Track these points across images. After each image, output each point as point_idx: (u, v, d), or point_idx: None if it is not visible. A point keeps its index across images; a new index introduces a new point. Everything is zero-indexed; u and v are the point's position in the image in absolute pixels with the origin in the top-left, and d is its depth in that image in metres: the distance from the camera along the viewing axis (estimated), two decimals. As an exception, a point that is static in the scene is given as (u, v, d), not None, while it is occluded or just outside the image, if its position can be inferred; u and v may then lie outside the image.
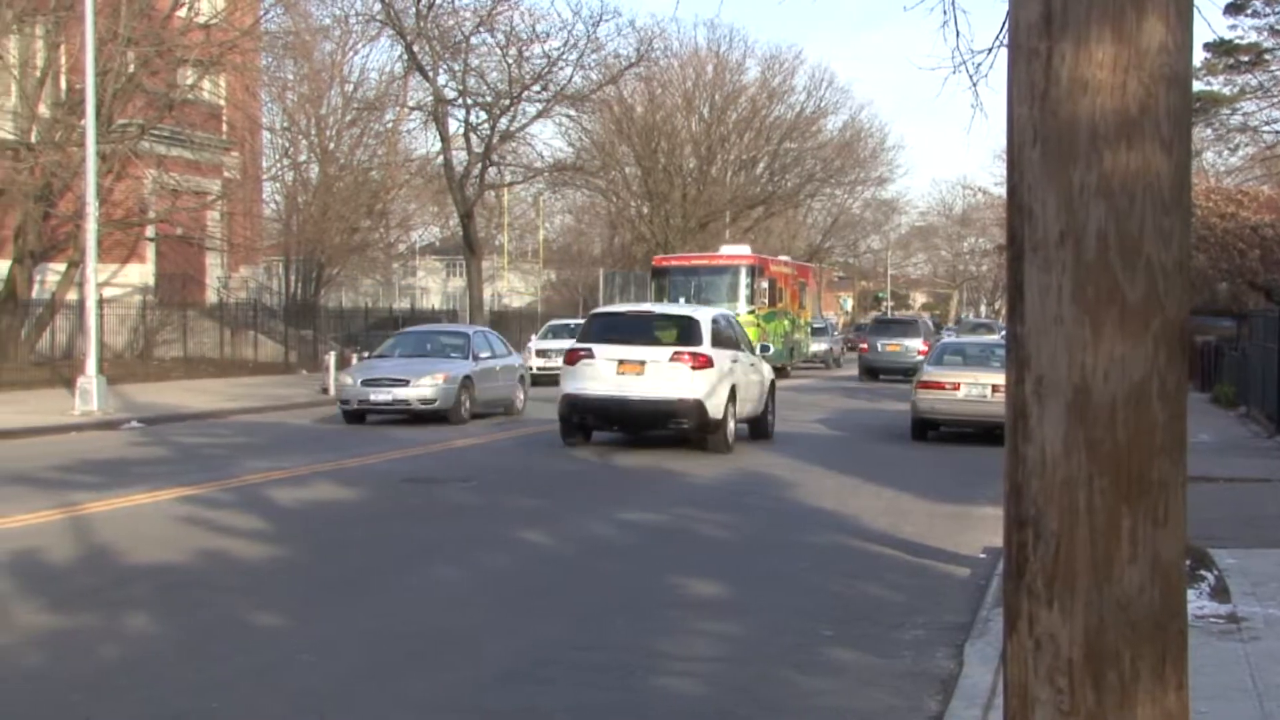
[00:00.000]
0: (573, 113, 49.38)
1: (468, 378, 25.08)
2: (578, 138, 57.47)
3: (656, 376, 19.60)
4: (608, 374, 19.81)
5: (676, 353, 19.71)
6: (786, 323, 43.62)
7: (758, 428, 22.07)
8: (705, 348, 19.86)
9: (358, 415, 24.72)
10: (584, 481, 16.72)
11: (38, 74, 34.89)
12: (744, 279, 40.16)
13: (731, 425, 20.24)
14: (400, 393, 24.21)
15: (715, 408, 19.59)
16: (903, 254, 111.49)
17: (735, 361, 20.64)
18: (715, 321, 21.05)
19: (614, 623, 8.93)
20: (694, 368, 19.52)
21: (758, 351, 23.04)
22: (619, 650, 8.14)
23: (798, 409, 29.51)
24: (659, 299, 39.45)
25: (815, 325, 53.50)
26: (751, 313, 38.94)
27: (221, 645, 8.18)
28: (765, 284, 40.90)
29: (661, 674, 7.64)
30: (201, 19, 37.15)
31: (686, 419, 19.63)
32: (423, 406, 24.18)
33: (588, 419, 20.55)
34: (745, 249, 43.79)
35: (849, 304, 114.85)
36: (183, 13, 36.29)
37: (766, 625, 8.93)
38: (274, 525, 12.74)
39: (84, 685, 7.31)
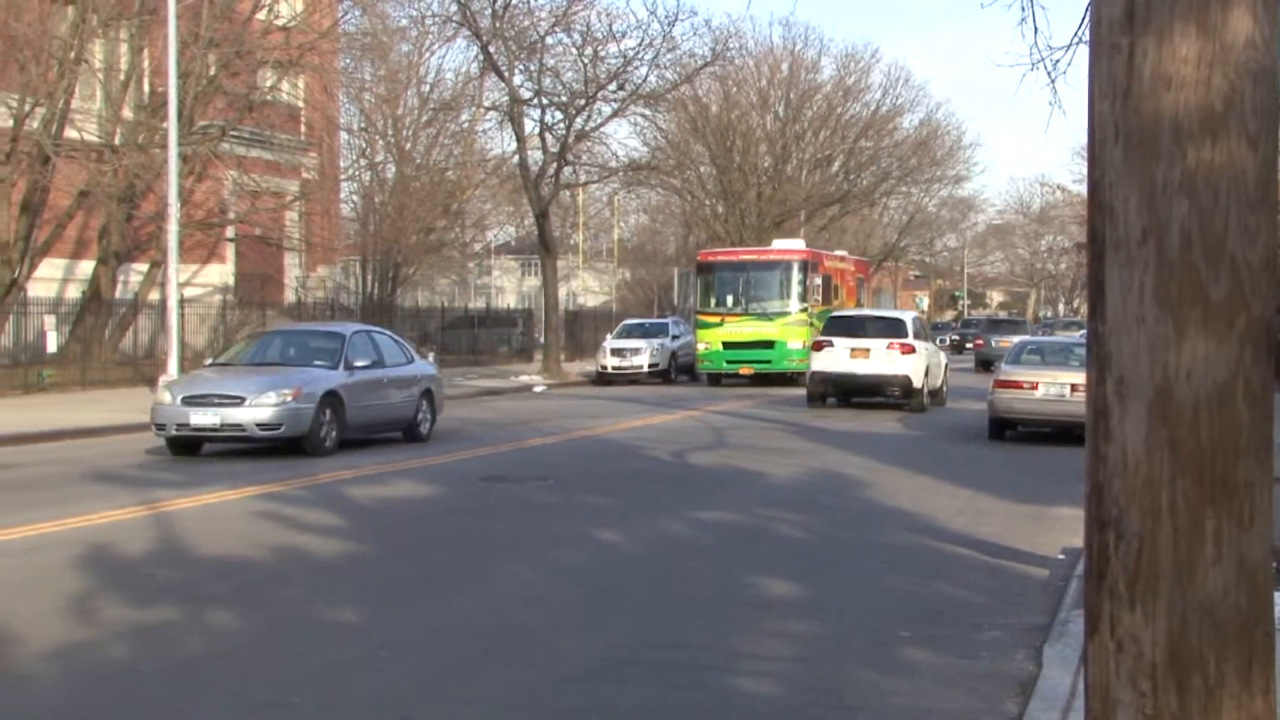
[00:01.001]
0: (648, 112, 49.35)
1: (332, 394, 19.02)
2: (653, 137, 57.47)
3: (878, 359, 27.80)
4: (843, 357, 28.07)
5: (890, 343, 27.88)
6: None
7: (937, 396, 29.61)
8: (909, 339, 28.18)
9: (186, 445, 18.78)
10: (659, 480, 16.73)
11: (122, 77, 35.43)
12: (796, 275, 37.99)
13: (926, 392, 28.03)
14: (233, 415, 18.26)
15: (916, 380, 27.64)
16: (979, 252, 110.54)
17: (926, 349, 28.79)
18: (914, 321, 29.84)
19: (690, 622, 8.93)
20: (902, 353, 27.79)
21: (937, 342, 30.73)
22: (695, 649, 8.14)
23: (875, 408, 29.34)
24: (704, 296, 38.54)
25: None
26: (804, 310, 37.40)
27: (301, 641, 8.27)
28: (819, 280, 38.96)
29: (737, 673, 7.63)
30: (281, 21, 37.57)
31: (898, 388, 27.84)
32: (263, 432, 18.34)
33: (828, 388, 28.91)
34: (799, 243, 41.95)
35: (925, 303, 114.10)
36: (262, 15, 36.72)
37: (842, 625, 8.89)
38: (351, 522, 12.86)
39: (169, 678, 7.42)
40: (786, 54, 64.46)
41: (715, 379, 37.91)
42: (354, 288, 52.42)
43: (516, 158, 44.82)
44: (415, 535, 12.36)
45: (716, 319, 37.69)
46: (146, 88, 36.64)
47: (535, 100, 42.25)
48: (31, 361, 31.75)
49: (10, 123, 32.06)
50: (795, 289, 37.76)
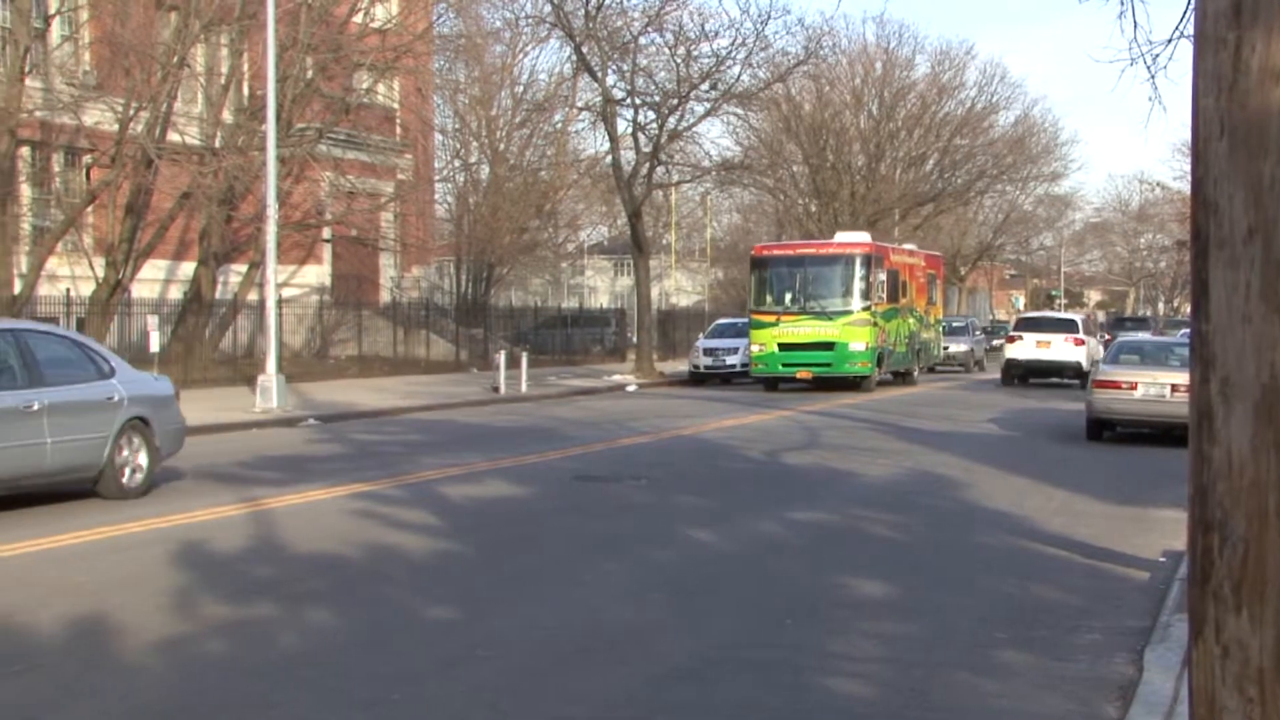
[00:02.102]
0: (740, 111, 49.24)
1: None
2: (745, 136, 57.37)
3: (1057, 349, 36.49)
4: (1031, 347, 37.17)
5: (1066, 336, 37.08)
6: (912, 321, 38.96)
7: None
8: (1080, 334, 37.31)
9: None
10: (753, 481, 16.70)
11: (222, 81, 36.02)
12: (858, 271, 35.01)
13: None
14: None
15: (1085, 365, 33.24)
16: (1076, 251, 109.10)
17: (1091, 341, 36.34)
18: (1083, 321, 39.80)
19: (783, 622, 8.91)
20: (1075, 344, 36.68)
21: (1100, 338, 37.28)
22: (789, 649, 8.12)
23: (969, 408, 29.11)
24: (759, 294, 35.81)
25: (954, 323, 50.44)
26: (867, 309, 34.72)
27: (398, 638, 8.35)
28: (883, 277, 35.97)
29: (831, 674, 7.60)
30: (376, 24, 38.01)
31: (1071, 370, 34.19)
32: None
33: (1020, 371, 37.36)
34: (863, 236, 38.69)
35: (1021, 302, 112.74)
36: (359, 19, 37.16)
37: (937, 626, 8.82)
38: (447, 521, 12.97)
39: (267, 674, 7.53)
40: (880, 52, 64.11)
41: (771, 384, 35.37)
42: (448, 288, 52.92)
43: (609, 158, 44.93)
44: (510, 534, 12.44)
45: (771, 318, 35.04)
46: (246, 91, 37.23)
47: (628, 100, 42.34)
48: (135, 361, 32.24)
49: (115, 127, 32.72)
50: (857, 286, 34.96)
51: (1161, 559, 11.26)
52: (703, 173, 49.93)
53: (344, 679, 7.41)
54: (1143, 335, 43.66)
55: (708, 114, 44.33)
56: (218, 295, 36.95)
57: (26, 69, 31.89)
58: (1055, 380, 37.42)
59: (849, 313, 34.56)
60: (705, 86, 42.10)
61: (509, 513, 13.81)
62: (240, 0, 33.85)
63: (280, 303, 28.10)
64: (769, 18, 57.68)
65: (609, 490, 15.55)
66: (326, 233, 42.31)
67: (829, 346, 34.19)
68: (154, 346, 33.11)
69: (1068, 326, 38.43)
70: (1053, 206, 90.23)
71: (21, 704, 6.91)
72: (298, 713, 6.84)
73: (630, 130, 42.59)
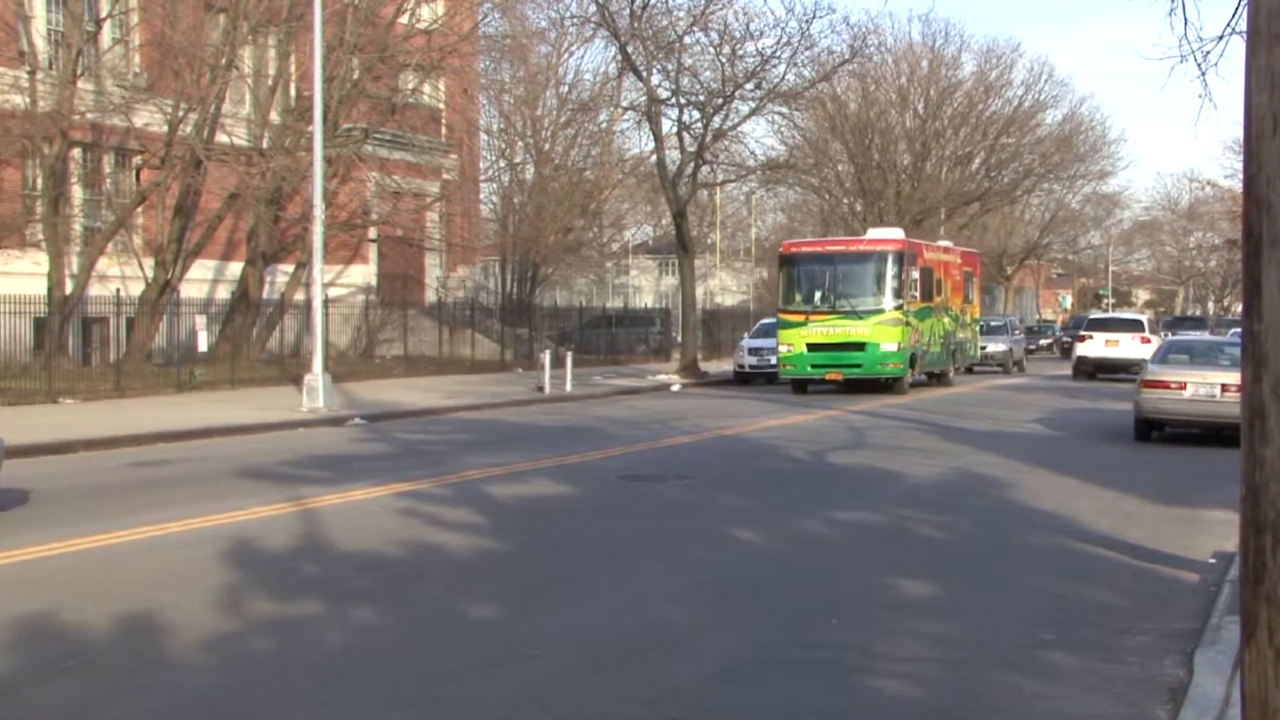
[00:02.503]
0: (785, 110, 49.12)
1: None
2: (790, 135, 57.25)
3: (1125, 347, 39.28)
4: (1100, 345, 41.25)
5: (1134, 335, 40.47)
6: (947, 320, 37.61)
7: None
8: (1146, 333, 40.34)
9: None
10: (798, 480, 16.66)
11: (269, 83, 36.26)
12: (890, 269, 33.62)
13: None
14: None
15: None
16: (1124, 250, 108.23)
17: (1156, 339, 36.01)
18: (1149, 321, 43.60)
19: (830, 622, 8.88)
20: (1142, 343, 38.87)
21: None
22: (835, 649, 8.09)
23: (1014, 408, 28.94)
24: (787, 292, 34.71)
25: (992, 323, 49.18)
26: (899, 308, 33.35)
27: (443, 637, 8.38)
28: (916, 274, 34.47)
29: (878, 675, 7.57)
30: (422, 25, 38.15)
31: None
32: None
33: (1090, 367, 41.04)
34: (895, 232, 37.43)
35: (1068, 301, 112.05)
36: (404, 19, 37.31)
37: (985, 627, 8.77)
38: (491, 520, 13.00)
39: (314, 671, 7.57)
40: (926, 50, 63.85)
41: (800, 386, 34.21)
42: (493, 287, 53.05)
43: (654, 157, 44.92)
44: (555, 533, 12.46)
45: (800, 318, 33.78)
46: (293, 92, 37.47)
47: (673, 100, 42.30)
48: (184, 360, 32.62)
49: (165, 128, 32.99)
50: (889, 284, 33.54)
51: (1211, 560, 11.15)
52: (747, 172, 49.85)
53: (389, 677, 7.44)
54: (1200, 334, 43.54)
55: (752, 113, 44.26)
56: (265, 295, 37.20)
57: (78, 71, 32.22)
58: (1123, 375, 38.46)
59: (880, 312, 33.35)
60: (750, 86, 42.02)
61: (553, 512, 13.83)
62: (288, 2, 34.07)
63: (326, 302, 28.26)
64: (814, 16, 57.14)
65: (653, 490, 15.54)
66: (372, 233, 42.51)
67: (860, 347, 33.12)
68: (202, 346, 33.43)
69: (1135, 326, 42.44)
70: (1100, 205, 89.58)
71: (75, 700, 6.98)
72: (344, 710, 6.88)
73: (675, 130, 42.57)
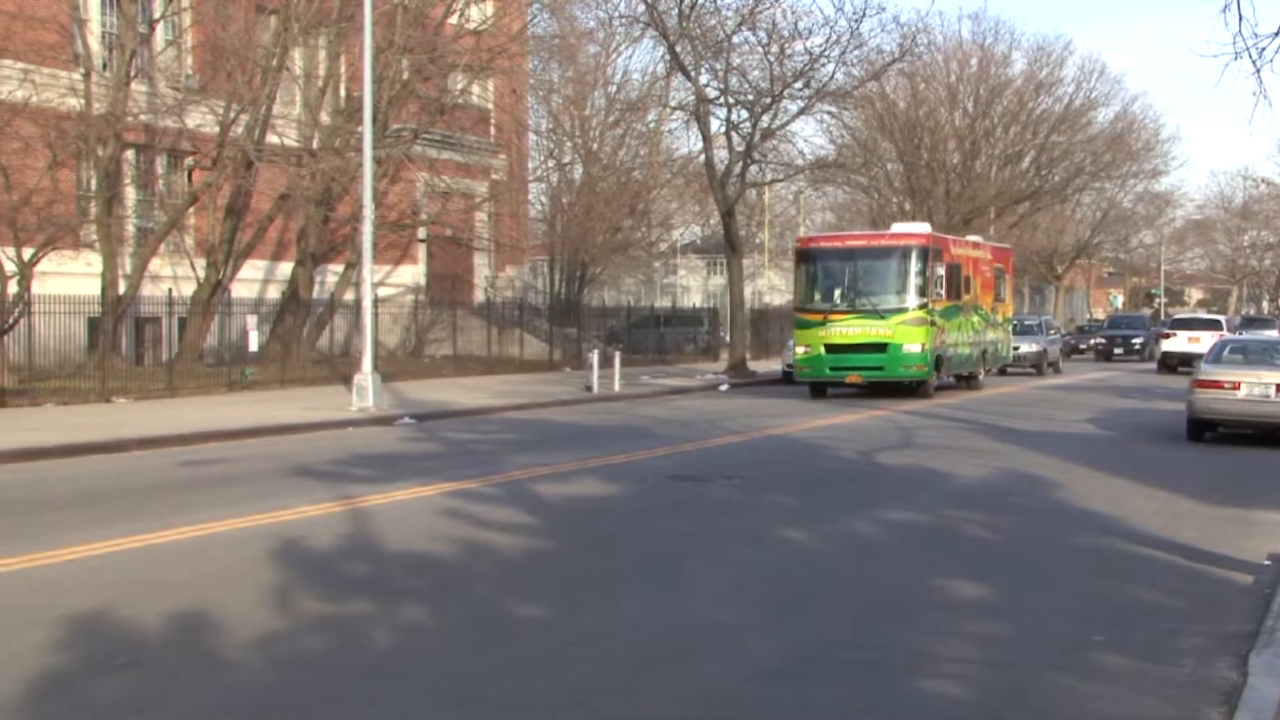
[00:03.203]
0: (834, 109, 48.95)
1: None
2: (839, 134, 57.06)
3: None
4: (1183, 342, 44.61)
5: (1213, 332, 40.87)
6: (977, 319, 35.59)
7: None
8: (1224, 331, 43.29)
9: None
10: (846, 480, 16.60)
11: (320, 84, 36.48)
12: (913, 265, 31.55)
13: None
14: None
15: None
16: (1177, 249, 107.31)
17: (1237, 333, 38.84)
18: (1229, 320, 49.52)
19: (878, 622, 8.85)
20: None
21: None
22: (884, 650, 8.06)
23: (1065, 408, 28.74)
24: (804, 290, 32.66)
25: (1025, 321, 47.17)
26: (923, 307, 31.32)
27: (491, 635, 8.40)
28: (942, 271, 32.35)
29: (927, 675, 7.53)
30: (471, 25, 38.28)
31: None
32: None
33: (1175, 361, 43.70)
34: (922, 226, 35.65)
35: (1119, 301, 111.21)
36: (454, 20, 37.45)
37: (1034, 628, 8.71)
38: (539, 519, 13.02)
39: (363, 670, 7.61)
40: (976, 49, 63.55)
41: (818, 389, 32.22)
42: (541, 287, 53.16)
43: (702, 157, 44.88)
44: (602, 532, 12.47)
45: (817, 317, 31.72)
46: (343, 93, 37.67)
47: (721, 99, 42.25)
48: (235, 360, 32.87)
49: (216, 129, 33.26)
50: (913, 281, 31.50)
51: (1266, 562, 11.03)
52: (796, 171, 49.73)
53: (438, 676, 7.47)
54: (1272, 334, 43.38)
55: (801, 113, 44.15)
56: (315, 295, 37.43)
57: (132, 73, 32.52)
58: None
59: (903, 311, 31.29)
60: (799, 85, 41.90)
61: (601, 511, 13.84)
62: (338, 3, 34.26)
63: (376, 302, 28.39)
64: (863, 15, 56.79)
65: (701, 489, 15.53)
66: (421, 233, 42.69)
67: (880, 348, 31.13)
68: (252, 346, 33.67)
69: (1214, 325, 46.88)
70: (1153, 204, 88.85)
71: (128, 696, 7.04)
72: (393, 709, 6.90)
73: (723, 129, 42.53)
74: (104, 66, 33.46)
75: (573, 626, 8.69)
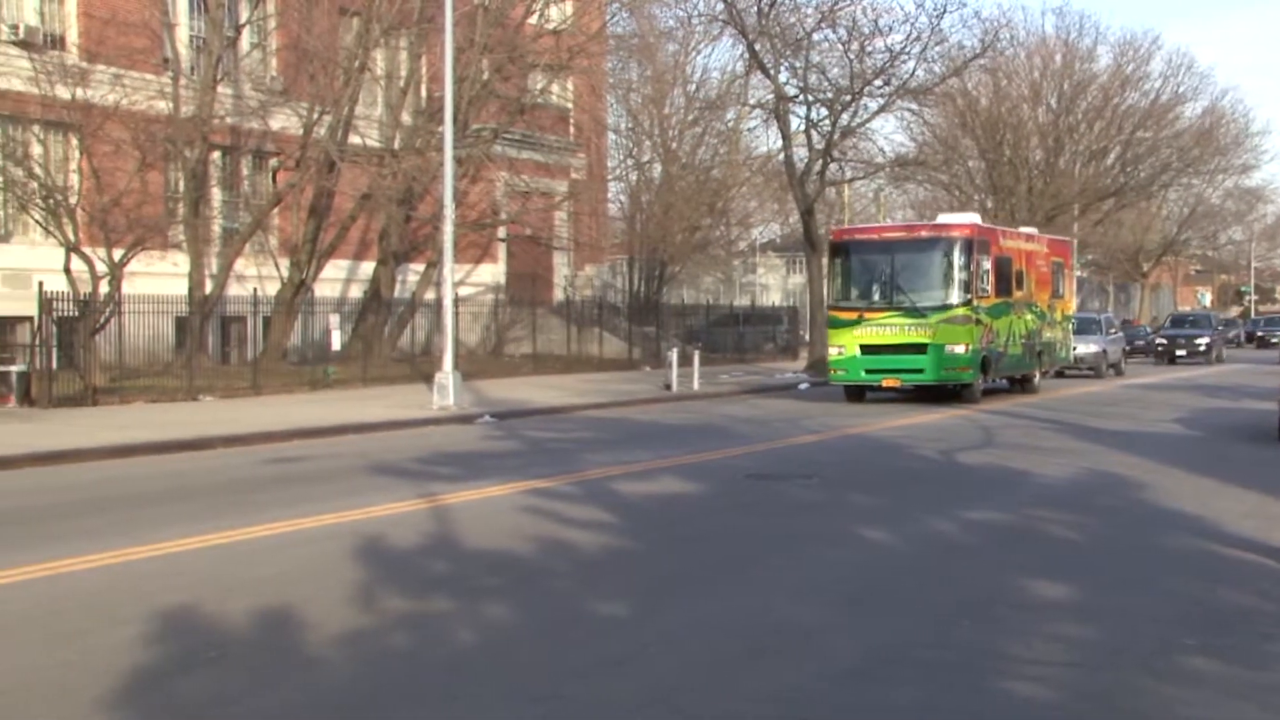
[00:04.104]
0: (915, 106, 48.68)
1: None
2: (919, 131, 56.70)
3: None
4: None
5: None
6: (1030, 317, 33.15)
7: None
8: None
9: None
10: (927, 480, 16.47)
11: (401, 84, 36.77)
12: (957, 259, 29.24)
13: None
14: None
15: None
16: (1268, 245, 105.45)
17: None
18: None
19: (960, 623, 8.76)
20: None
21: None
22: (965, 651, 7.97)
23: (1150, 408, 28.33)
24: (840, 286, 30.44)
25: (1083, 319, 43.01)
26: (968, 304, 29.08)
27: (571, 633, 8.42)
28: (988, 265, 29.93)
29: (1010, 677, 7.44)
30: (551, 25, 38.42)
31: None
32: None
33: None
34: (971, 217, 33.26)
35: (1207, 298, 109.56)
36: (533, 20, 37.60)
37: (1122, 631, 8.58)
38: (618, 518, 13.04)
39: (445, 667, 7.65)
40: (1060, 44, 62.83)
41: (855, 393, 30.30)
42: (620, 286, 53.24)
43: (782, 155, 44.79)
44: (681, 531, 12.46)
45: (852, 315, 29.66)
46: (424, 93, 37.96)
47: (801, 97, 42.14)
48: (317, 359, 33.23)
49: (300, 131, 33.62)
50: (957, 276, 29.21)
51: (1359, 565, 10.80)
52: (876, 169, 49.49)
53: (519, 673, 7.49)
54: None
55: (881, 110, 43.93)
56: (396, 294, 37.75)
57: (218, 76, 32.98)
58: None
59: (946, 308, 29.03)
60: (879, 82, 41.69)
61: (680, 510, 13.83)
62: (419, 4, 34.52)
63: (457, 301, 28.59)
64: (944, 11, 56.24)
65: (780, 488, 15.48)
66: (502, 232, 42.91)
67: (920, 349, 28.94)
68: (335, 345, 34.02)
69: None
70: (1242, 200, 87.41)
71: (215, 691, 7.13)
72: (475, 706, 6.93)
73: (803, 127, 42.41)
74: (191, 70, 33.98)
75: (652, 625, 8.69)
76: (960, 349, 28.93)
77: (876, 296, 29.86)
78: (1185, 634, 8.47)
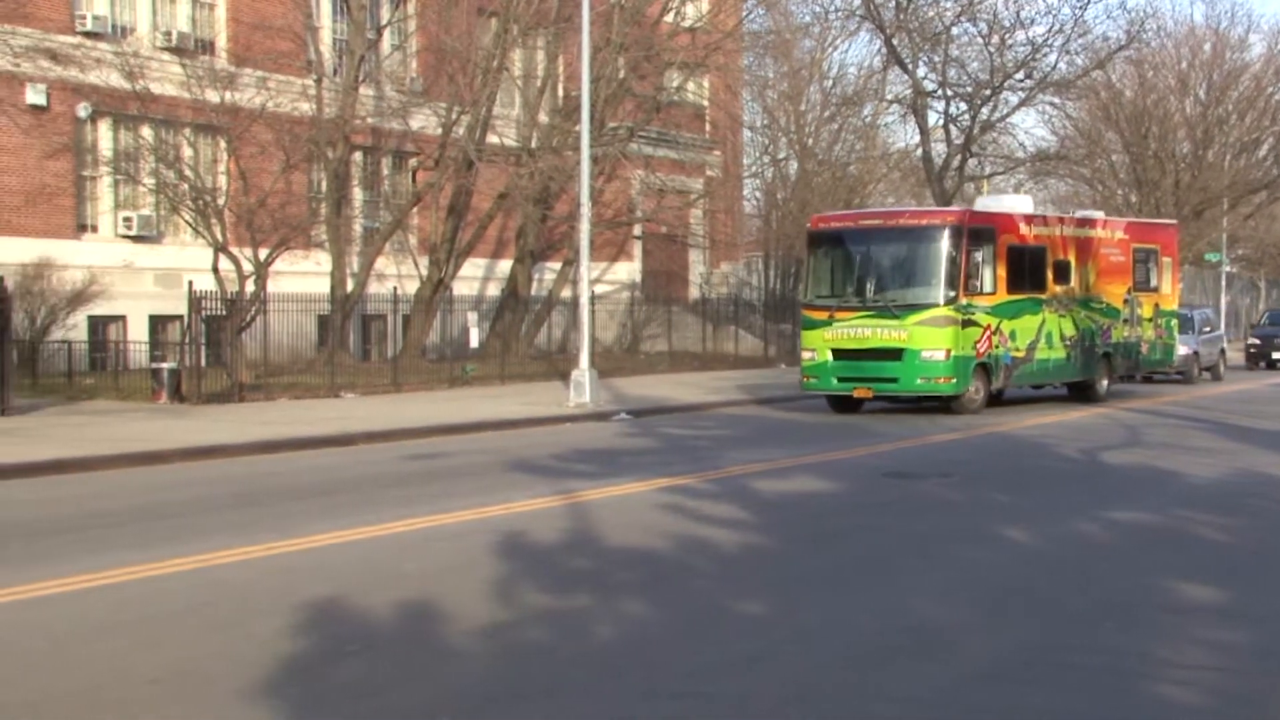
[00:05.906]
0: (1056, 100, 47.93)
1: None
2: (1061, 125, 55.75)
3: None
4: None
5: None
6: (1082, 315, 28.49)
7: None
8: None
9: None
10: (1067, 479, 16.22)
11: (538, 84, 37.10)
12: (942, 251, 24.94)
13: None
14: None
15: None
16: None
17: None
18: None
19: (1102, 625, 8.62)
20: None
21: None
22: (1107, 654, 7.84)
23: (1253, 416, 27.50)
24: (812, 281, 26.80)
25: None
26: (953, 302, 24.76)
27: (709, 630, 8.45)
28: (989, 256, 25.57)
29: (1156, 681, 7.31)
30: (687, 23, 38.47)
31: None
32: None
33: None
34: (1021, 201, 29.73)
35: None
36: (670, 18, 37.68)
37: (1276, 636, 8.38)
38: (755, 516, 13.04)
39: (584, 662, 7.73)
40: (1209, 33, 61.19)
41: (840, 403, 26.21)
42: (756, 283, 53.11)
43: (919, 151, 44.38)
44: (818, 529, 12.43)
45: (822, 315, 25.73)
46: (560, 93, 38.26)
47: (939, 92, 41.75)
48: (456, 356, 33.65)
49: (439, 131, 34.09)
50: (940, 270, 24.95)
51: None
52: (1016, 164, 48.77)
53: (657, 670, 7.54)
54: None
55: (1022, 104, 43.35)
56: (533, 292, 38.09)
57: (360, 78, 33.59)
58: None
59: (924, 308, 24.82)
60: (1020, 76, 41.11)
61: (817, 508, 13.79)
62: (556, 4, 34.80)
63: (593, 299, 28.74)
64: (1088, 2, 55.85)
65: (917, 487, 15.35)
66: (637, 230, 43.09)
67: (895, 354, 24.83)
68: (473, 342, 34.45)
69: None
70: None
71: (362, 681, 7.28)
72: (613, 702, 6.99)
73: (941, 122, 41.99)
74: (334, 72, 34.63)
75: (790, 623, 8.69)
76: (939, 355, 24.65)
77: (849, 294, 25.83)
78: (1339, 640, 8.25)
